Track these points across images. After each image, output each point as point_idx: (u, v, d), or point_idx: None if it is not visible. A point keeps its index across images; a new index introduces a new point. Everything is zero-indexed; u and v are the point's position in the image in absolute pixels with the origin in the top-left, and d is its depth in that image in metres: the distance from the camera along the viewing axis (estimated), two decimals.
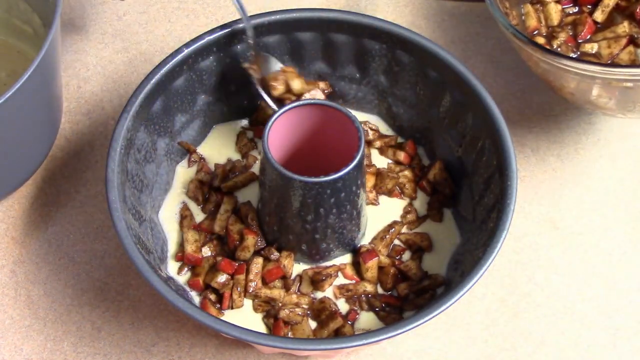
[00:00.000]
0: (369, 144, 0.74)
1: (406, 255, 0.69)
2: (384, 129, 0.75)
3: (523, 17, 0.75)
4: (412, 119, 0.74)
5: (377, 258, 0.67)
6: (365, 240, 0.70)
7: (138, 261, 0.60)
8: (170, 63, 0.69)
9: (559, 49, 0.72)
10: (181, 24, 0.86)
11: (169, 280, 0.65)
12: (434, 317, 0.59)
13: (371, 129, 0.74)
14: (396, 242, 0.70)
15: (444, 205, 0.71)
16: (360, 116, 0.75)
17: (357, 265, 0.68)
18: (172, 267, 0.68)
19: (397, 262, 0.68)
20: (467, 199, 0.70)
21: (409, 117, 0.74)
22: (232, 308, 0.66)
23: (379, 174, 0.71)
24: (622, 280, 0.72)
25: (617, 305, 0.71)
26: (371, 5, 0.87)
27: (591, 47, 0.72)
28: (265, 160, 0.63)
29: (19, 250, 0.73)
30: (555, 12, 0.75)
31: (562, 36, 0.73)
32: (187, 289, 0.67)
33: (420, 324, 0.58)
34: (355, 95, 0.75)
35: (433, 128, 0.73)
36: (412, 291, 0.67)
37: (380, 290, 0.68)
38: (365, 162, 0.70)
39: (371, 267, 0.67)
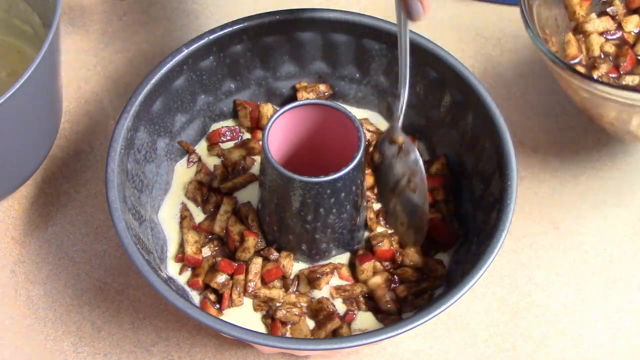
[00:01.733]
0: (368, 145, 0.73)
1: None
2: (384, 125, 0.75)
3: (564, 44, 0.74)
4: (412, 119, 0.74)
5: (372, 261, 0.67)
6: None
7: (138, 261, 0.60)
8: (170, 63, 0.69)
9: (600, 79, 0.72)
10: (181, 24, 0.86)
11: (169, 280, 0.65)
12: (433, 317, 0.59)
13: (369, 130, 0.74)
14: None
15: None
16: (360, 113, 0.75)
17: (353, 266, 0.68)
18: (172, 268, 0.68)
19: (391, 269, 0.68)
20: (467, 199, 0.70)
21: (409, 117, 0.74)
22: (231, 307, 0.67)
23: None
24: (622, 280, 0.72)
25: (617, 305, 0.71)
26: (371, 5, 0.87)
27: (632, 80, 0.73)
28: (265, 160, 0.63)
29: (19, 250, 0.73)
30: (597, 43, 0.74)
31: (604, 67, 0.73)
32: (187, 289, 0.67)
33: (420, 324, 0.58)
34: (355, 95, 0.75)
35: (433, 128, 0.73)
36: (410, 293, 0.67)
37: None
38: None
39: (366, 269, 0.67)
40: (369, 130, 0.74)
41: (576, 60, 0.74)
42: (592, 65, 0.74)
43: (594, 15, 0.76)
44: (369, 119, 0.75)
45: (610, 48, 0.74)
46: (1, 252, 0.73)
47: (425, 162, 0.73)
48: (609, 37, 0.75)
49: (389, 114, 0.75)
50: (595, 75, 0.73)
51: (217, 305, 0.66)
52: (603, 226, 0.75)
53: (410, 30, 0.70)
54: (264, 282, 0.67)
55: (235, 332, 0.58)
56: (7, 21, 0.78)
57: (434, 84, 0.71)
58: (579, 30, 0.76)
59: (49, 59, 0.67)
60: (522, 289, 0.72)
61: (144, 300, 0.71)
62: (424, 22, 0.86)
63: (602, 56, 0.74)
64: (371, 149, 0.72)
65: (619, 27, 0.76)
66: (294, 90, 0.75)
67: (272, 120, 0.63)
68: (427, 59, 0.70)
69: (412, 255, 0.68)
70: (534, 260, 0.73)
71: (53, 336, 0.70)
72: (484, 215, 0.66)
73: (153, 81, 0.68)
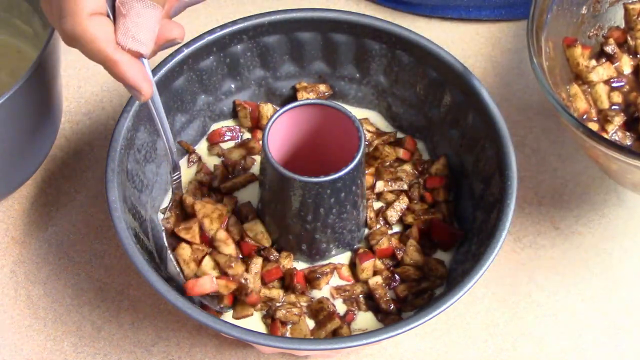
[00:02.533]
0: (367, 146, 0.73)
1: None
2: (384, 125, 0.75)
3: (571, 98, 0.68)
4: (412, 119, 0.74)
5: (373, 259, 0.67)
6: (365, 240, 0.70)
7: (138, 261, 0.60)
8: (170, 63, 0.69)
9: (614, 135, 0.67)
10: (181, 24, 0.86)
11: (169, 280, 0.65)
12: (433, 317, 0.59)
13: (369, 131, 0.74)
14: None
15: None
16: (360, 113, 0.75)
17: (353, 265, 0.68)
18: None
19: (392, 268, 0.68)
20: (467, 199, 0.70)
21: (409, 116, 0.74)
22: None
23: (377, 170, 0.71)
24: (622, 280, 0.72)
25: (617, 305, 0.71)
26: (371, 5, 0.87)
27: None
28: (265, 160, 0.63)
29: (19, 250, 0.73)
30: (604, 93, 0.68)
31: (617, 120, 0.67)
32: None
33: (420, 324, 0.58)
34: (355, 95, 0.75)
35: (433, 128, 0.73)
36: (411, 292, 0.67)
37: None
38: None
39: (367, 268, 0.67)
40: (369, 131, 0.74)
41: (586, 117, 0.68)
42: (604, 118, 0.68)
43: (594, 62, 0.70)
44: (369, 119, 0.75)
45: (618, 97, 0.69)
46: (1, 252, 0.73)
47: (425, 162, 0.73)
48: (615, 84, 0.69)
49: (389, 114, 0.75)
50: (609, 129, 0.67)
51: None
52: (603, 226, 0.75)
53: (410, 30, 0.70)
54: (264, 282, 0.67)
55: (235, 332, 0.58)
56: (8, 21, 0.78)
57: (434, 84, 0.71)
58: (581, 79, 0.69)
59: (49, 59, 0.67)
60: (522, 289, 0.72)
61: (144, 300, 0.71)
62: (424, 22, 0.87)
63: (612, 107, 0.68)
64: (371, 148, 0.72)
65: (621, 73, 0.70)
66: (294, 90, 0.75)
67: (272, 120, 0.63)
68: (427, 59, 0.70)
69: (412, 254, 0.68)
70: (534, 260, 0.73)
71: (53, 336, 0.70)
72: (484, 215, 0.66)
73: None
